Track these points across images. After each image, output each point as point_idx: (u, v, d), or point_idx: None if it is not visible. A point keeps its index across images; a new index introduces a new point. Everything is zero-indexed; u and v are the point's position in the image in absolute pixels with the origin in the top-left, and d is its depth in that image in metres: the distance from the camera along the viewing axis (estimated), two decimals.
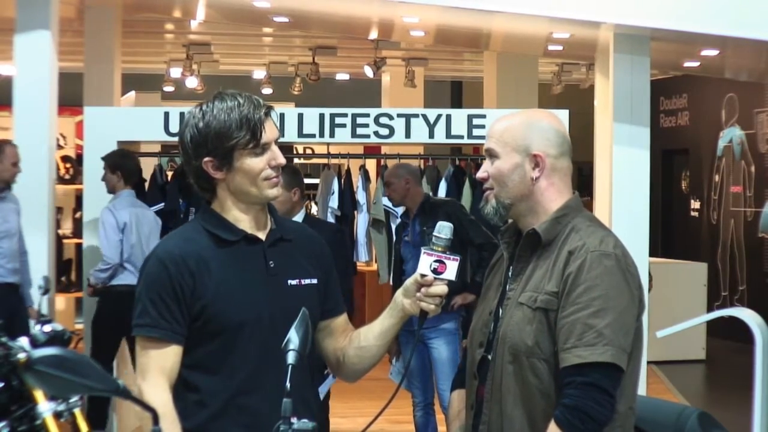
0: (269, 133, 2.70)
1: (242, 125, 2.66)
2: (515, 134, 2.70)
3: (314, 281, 2.80)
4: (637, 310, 2.62)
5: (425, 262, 2.68)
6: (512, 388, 2.62)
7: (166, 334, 2.66)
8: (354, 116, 6.82)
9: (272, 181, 2.72)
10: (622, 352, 2.54)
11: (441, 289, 2.68)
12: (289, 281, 2.75)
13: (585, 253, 2.59)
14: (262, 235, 2.77)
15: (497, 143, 2.71)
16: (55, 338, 4.93)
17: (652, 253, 7.84)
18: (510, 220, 2.80)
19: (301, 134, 6.81)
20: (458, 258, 2.69)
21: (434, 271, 2.67)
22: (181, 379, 2.69)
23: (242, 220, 2.75)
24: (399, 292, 2.76)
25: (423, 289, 2.69)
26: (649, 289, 7.84)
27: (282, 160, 2.73)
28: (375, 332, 2.81)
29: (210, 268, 2.68)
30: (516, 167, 2.69)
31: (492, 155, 2.72)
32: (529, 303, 2.62)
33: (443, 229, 2.72)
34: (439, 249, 2.69)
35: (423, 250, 2.70)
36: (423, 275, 2.68)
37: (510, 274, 2.74)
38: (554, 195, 2.71)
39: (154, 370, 2.65)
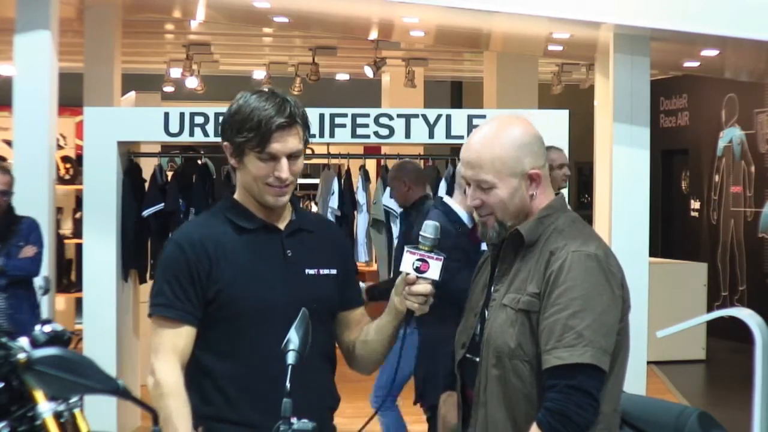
0: (280, 145, 2.69)
1: (253, 128, 2.68)
2: (507, 161, 2.64)
3: (333, 272, 2.83)
4: (619, 310, 2.59)
5: (408, 261, 2.68)
6: (496, 390, 2.61)
7: (179, 314, 2.70)
8: (354, 116, 6.82)
9: (274, 190, 2.74)
10: (602, 353, 2.51)
11: (424, 288, 2.68)
12: (307, 270, 2.79)
13: (566, 253, 2.57)
14: (281, 225, 2.81)
15: (491, 173, 2.64)
16: (55, 338, 4.93)
17: (652, 253, 7.82)
18: None
19: None
20: (442, 257, 2.67)
21: (417, 269, 2.67)
22: (198, 365, 2.72)
23: (260, 209, 2.79)
24: (394, 290, 2.78)
25: (406, 288, 2.69)
26: None
27: (285, 175, 2.71)
28: (376, 327, 2.85)
29: (227, 253, 2.72)
30: (515, 191, 2.66)
31: (488, 187, 2.65)
32: (512, 305, 2.61)
33: (428, 229, 2.70)
34: (425, 248, 2.68)
35: (406, 248, 2.69)
36: (406, 273, 2.68)
37: (495, 275, 2.73)
38: (543, 199, 2.71)
39: (167, 349, 2.69)
